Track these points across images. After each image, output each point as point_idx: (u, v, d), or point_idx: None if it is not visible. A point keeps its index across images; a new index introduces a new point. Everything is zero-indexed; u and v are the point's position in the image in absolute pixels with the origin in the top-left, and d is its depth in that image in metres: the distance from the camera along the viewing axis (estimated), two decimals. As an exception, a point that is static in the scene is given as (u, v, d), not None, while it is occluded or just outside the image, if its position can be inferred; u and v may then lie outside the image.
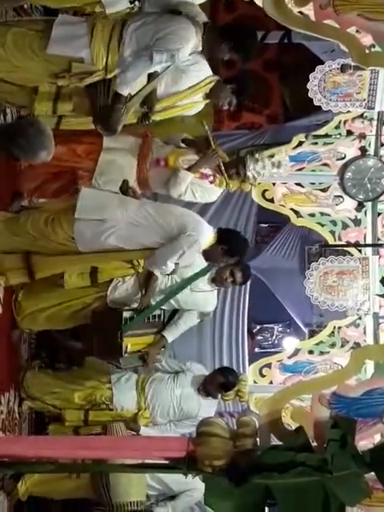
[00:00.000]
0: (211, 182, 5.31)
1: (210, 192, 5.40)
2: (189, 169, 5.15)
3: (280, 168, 5.41)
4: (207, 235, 5.04)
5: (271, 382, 5.81)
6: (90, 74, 4.68)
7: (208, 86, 5.11)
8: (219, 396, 5.66)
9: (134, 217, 4.86)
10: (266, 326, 8.85)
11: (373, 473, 3.36)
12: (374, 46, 4.33)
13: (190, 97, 5.10)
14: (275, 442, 3.57)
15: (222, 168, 5.18)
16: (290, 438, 3.46)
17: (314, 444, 3.44)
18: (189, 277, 5.25)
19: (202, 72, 5.06)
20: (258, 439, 3.49)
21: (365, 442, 3.68)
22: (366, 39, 4.42)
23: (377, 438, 3.74)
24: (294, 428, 3.56)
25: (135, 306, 5.17)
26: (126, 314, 5.07)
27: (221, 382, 5.51)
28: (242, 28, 5.00)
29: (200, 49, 4.88)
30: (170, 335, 5.34)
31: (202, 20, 4.83)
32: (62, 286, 5.16)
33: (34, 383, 5.52)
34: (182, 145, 5.25)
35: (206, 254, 5.13)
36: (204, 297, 5.37)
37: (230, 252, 5.15)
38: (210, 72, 5.10)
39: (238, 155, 5.57)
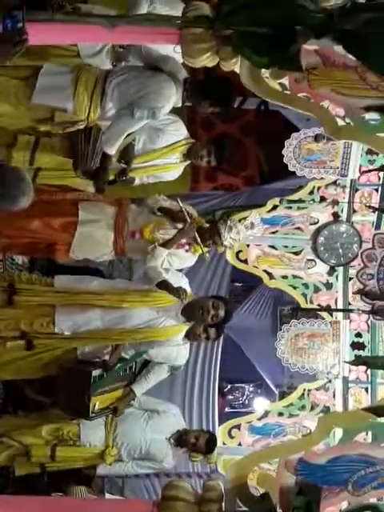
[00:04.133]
0: (187, 251, 5.36)
1: (186, 259, 5.44)
2: (166, 243, 5.20)
3: (253, 228, 5.48)
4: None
5: (240, 444, 5.79)
6: (73, 123, 4.77)
7: (185, 146, 5.23)
8: (188, 455, 5.62)
9: None
10: (237, 385, 8.83)
11: (337, 542, 3.35)
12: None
13: (167, 155, 5.21)
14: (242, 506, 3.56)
15: (198, 240, 5.22)
16: (256, 504, 3.44)
17: (280, 511, 3.42)
18: None
19: (179, 132, 5.22)
20: (223, 505, 3.47)
21: (331, 508, 3.68)
22: (340, 109, 4.57)
23: (342, 506, 3.74)
24: (260, 492, 3.55)
25: (104, 358, 5.16)
26: (94, 373, 5.06)
27: (203, 446, 5.44)
28: (220, 82, 5.07)
29: (180, 105, 5.02)
30: (139, 389, 5.32)
31: (183, 76, 4.96)
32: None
33: (1, 423, 5.47)
34: (158, 213, 5.31)
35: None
36: (176, 350, 5.35)
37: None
38: (187, 133, 5.24)
39: (214, 217, 5.65)
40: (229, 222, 5.27)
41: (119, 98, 4.80)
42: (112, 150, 4.88)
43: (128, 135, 4.93)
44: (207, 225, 5.43)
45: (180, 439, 5.48)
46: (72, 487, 5.12)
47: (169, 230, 5.24)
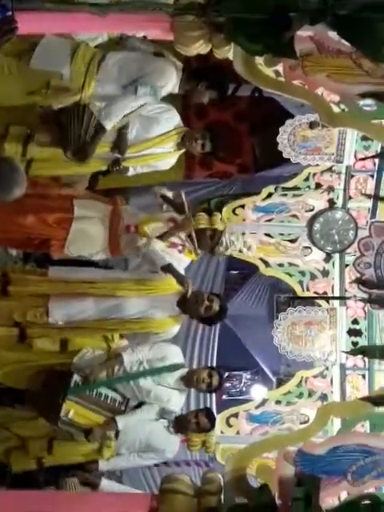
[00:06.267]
0: (180, 251, 5.33)
1: (178, 261, 5.38)
2: (162, 235, 5.16)
3: (250, 250, 5.54)
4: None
5: (238, 432, 5.78)
6: (67, 90, 4.73)
7: (179, 135, 5.20)
8: (187, 444, 5.59)
9: None
10: (234, 373, 8.82)
11: (337, 532, 3.34)
12: (342, 103, 4.43)
13: (161, 144, 5.19)
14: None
15: (194, 236, 5.20)
16: (255, 495, 3.43)
17: (279, 502, 3.41)
18: (157, 367, 5.21)
19: (173, 120, 5.19)
20: (222, 496, 3.46)
21: (330, 498, 3.68)
22: (335, 96, 4.53)
23: (342, 496, 3.74)
24: (259, 483, 3.54)
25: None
26: (77, 378, 5.03)
27: (207, 423, 5.38)
28: (213, 67, 5.15)
29: (177, 91, 5.06)
30: (122, 421, 5.17)
31: (179, 66, 5.02)
32: (29, 345, 5.12)
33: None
34: (160, 200, 5.27)
35: None
36: (169, 393, 5.29)
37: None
38: (180, 122, 5.22)
39: (209, 206, 5.63)
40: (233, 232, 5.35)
41: (119, 74, 4.87)
42: (109, 125, 4.90)
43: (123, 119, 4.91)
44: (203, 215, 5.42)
45: (179, 425, 5.40)
46: (65, 480, 5.09)
47: (162, 228, 5.22)
